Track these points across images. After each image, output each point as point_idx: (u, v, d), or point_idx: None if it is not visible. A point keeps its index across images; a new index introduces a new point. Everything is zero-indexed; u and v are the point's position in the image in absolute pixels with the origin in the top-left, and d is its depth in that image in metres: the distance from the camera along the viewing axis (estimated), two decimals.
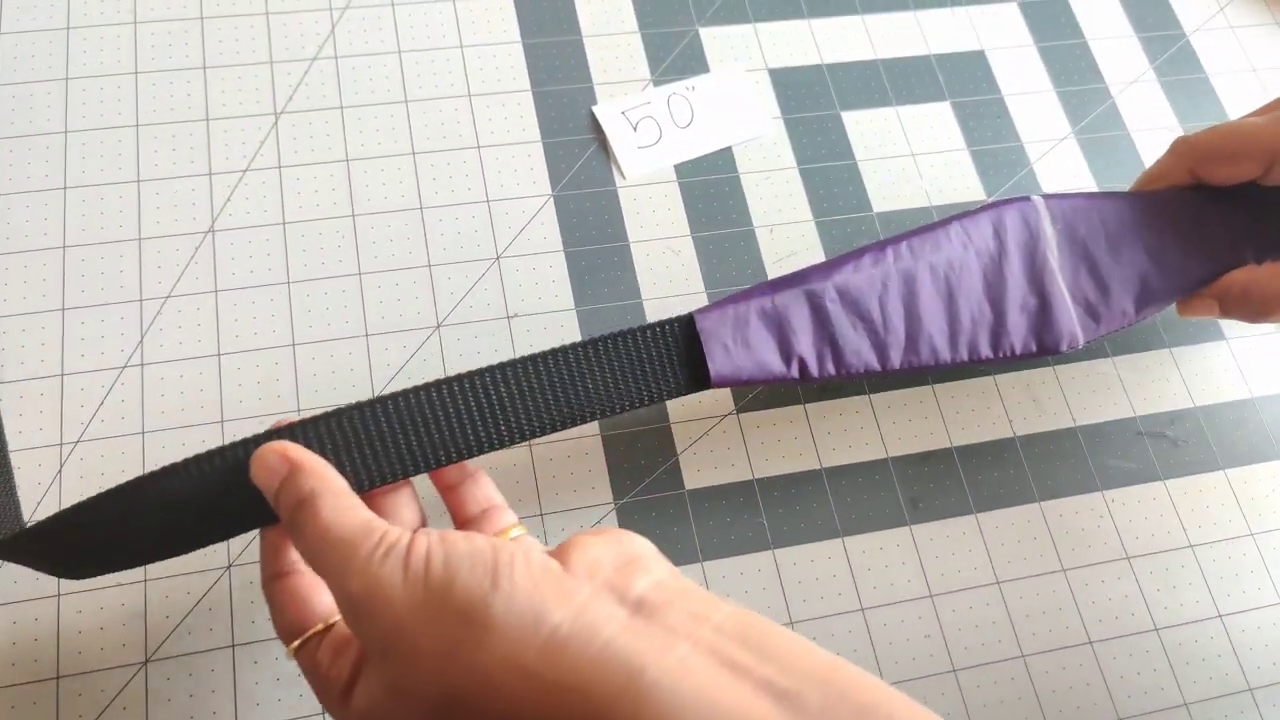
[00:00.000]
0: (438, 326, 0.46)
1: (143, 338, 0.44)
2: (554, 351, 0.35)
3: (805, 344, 0.38)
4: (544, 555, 0.28)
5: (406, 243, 0.47)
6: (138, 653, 0.39)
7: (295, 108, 0.49)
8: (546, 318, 0.46)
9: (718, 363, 0.37)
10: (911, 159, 0.53)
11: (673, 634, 0.26)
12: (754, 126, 0.52)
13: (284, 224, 0.47)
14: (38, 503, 0.41)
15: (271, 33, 0.51)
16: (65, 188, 0.46)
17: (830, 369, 0.38)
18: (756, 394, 0.46)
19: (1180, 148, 0.44)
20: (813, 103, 0.53)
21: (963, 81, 0.55)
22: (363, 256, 0.47)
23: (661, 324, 0.37)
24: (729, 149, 0.51)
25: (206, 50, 0.50)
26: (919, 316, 0.39)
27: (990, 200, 0.41)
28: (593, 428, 0.45)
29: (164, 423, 0.43)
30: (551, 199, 0.49)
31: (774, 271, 0.49)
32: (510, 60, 0.52)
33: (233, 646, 0.39)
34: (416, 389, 0.33)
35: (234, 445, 0.32)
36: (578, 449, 0.44)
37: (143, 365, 0.43)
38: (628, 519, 0.43)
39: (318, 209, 0.47)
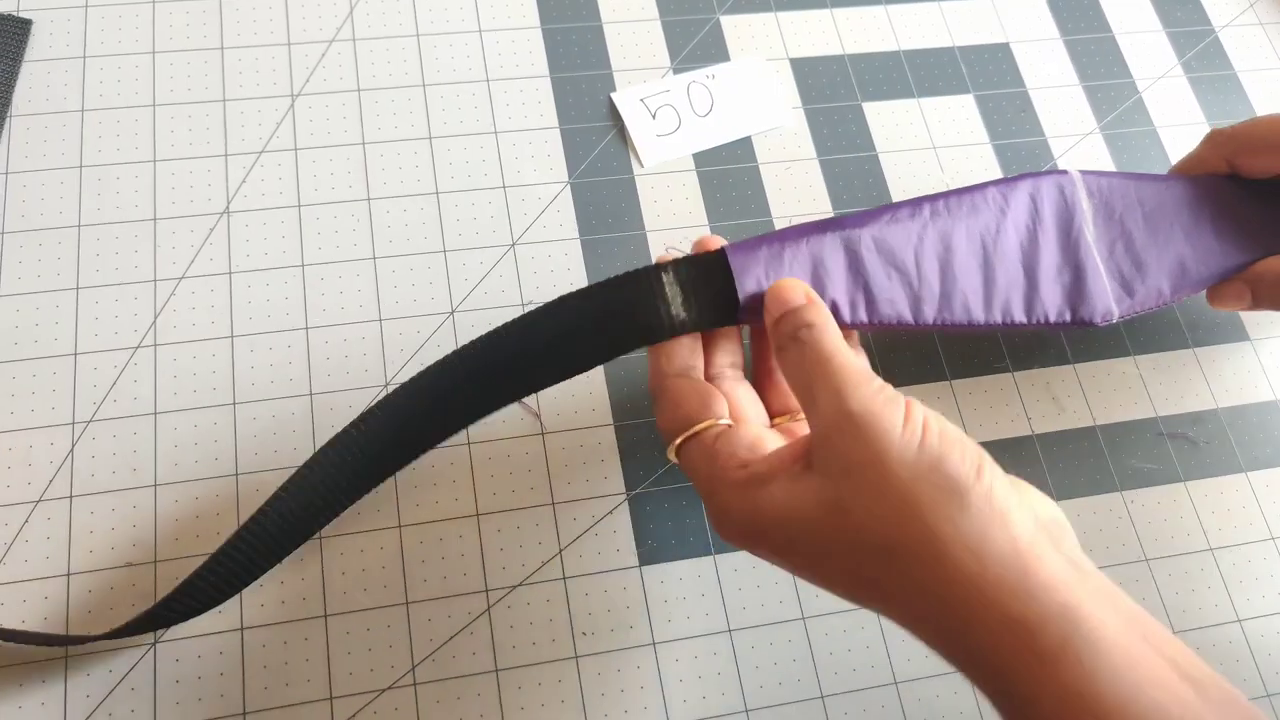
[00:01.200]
0: (452, 312, 0.45)
1: (156, 318, 0.44)
2: (580, 291, 0.37)
3: (839, 287, 0.37)
4: (1006, 478, 0.30)
5: (422, 227, 0.47)
6: (146, 635, 0.39)
7: (312, 90, 0.49)
8: None
9: (749, 295, 0.36)
10: (933, 151, 0.52)
11: (1101, 595, 0.28)
12: (774, 116, 0.51)
13: (299, 206, 0.47)
14: (50, 480, 0.40)
15: (289, 14, 0.51)
16: (81, 166, 0.46)
17: (863, 316, 0.37)
18: None
19: (1217, 138, 0.43)
20: (834, 93, 0.53)
21: (987, 74, 0.54)
22: (378, 240, 0.46)
23: (689, 258, 0.36)
24: (748, 138, 0.51)
25: (224, 31, 0.50)
26: (954, 274, 0.38)
27: (1033, 172, 0.40)
28: (606, 418, 0.44)
29: (176, 404, 0.42)
30: (568, 186, 0.49)
31: None
32: (529, 46, 0.52)
33: (241, 629, 0.39)
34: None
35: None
36: (590, 439, 0.44)
37: (156, 346, 0.43)
38: (640, 510, 0.43)
39: (333, 192, 0.47)
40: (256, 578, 0.38)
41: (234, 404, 0.43)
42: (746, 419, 0.35)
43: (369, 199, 0.47)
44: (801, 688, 0.41)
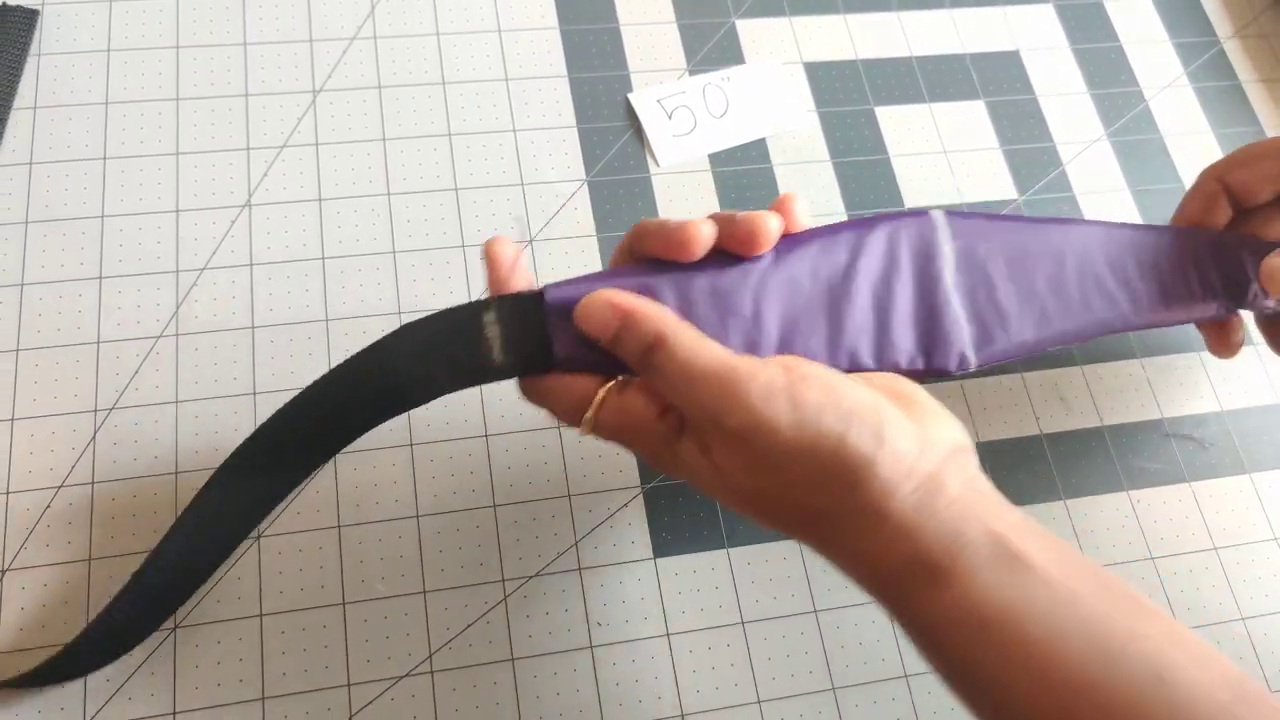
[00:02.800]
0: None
1: (178, 308, 0.44)
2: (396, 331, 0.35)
3: None
4: (906, 418, 0.31)
5: (441, 223, 0.48)
6: (167, 620, 0.39)
7: (334, 86, 0.50)
8: None
9: (561, 344, 0.34)
10: (944, 156, 0.53)
11: (993, 510, 0.31)
12: (788, 119, 0.52)
13: (320, 200, 0.47)
14: (72, 466, 0.41)
15: (312, 11, 0.51)
16: (105, 158, 0.47)
17: None
18: None
19: (1207, 171, 0.43)
20: (847, 97, 0.53)
21: (997, 81, 0.55)
22: (397, 235, 0.47)
23: (510, 297, 0.34)
24: (763, 140, 0.52)
25: (247, 27, 0.50)
26: (795, 319, 0.36)
27: (890, 211, 0.39)
28: None
29: (197, 393, 0.43)
30: (585, 184, 0.49)
31: None
32: (547, 46, 0.52)
33: (261, 616, 0.40)
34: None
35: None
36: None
37: (177, 335, 0.44)
38: (654, 503, 0.43)
39: (353, 186, 0.48)
40: (154, 628, 0.38)
41: (254, 394, 0.43)
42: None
43: (389, 194, 0.48)
44: (813, 679, 0.41)
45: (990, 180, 0.52)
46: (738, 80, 0.53)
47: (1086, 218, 0.52)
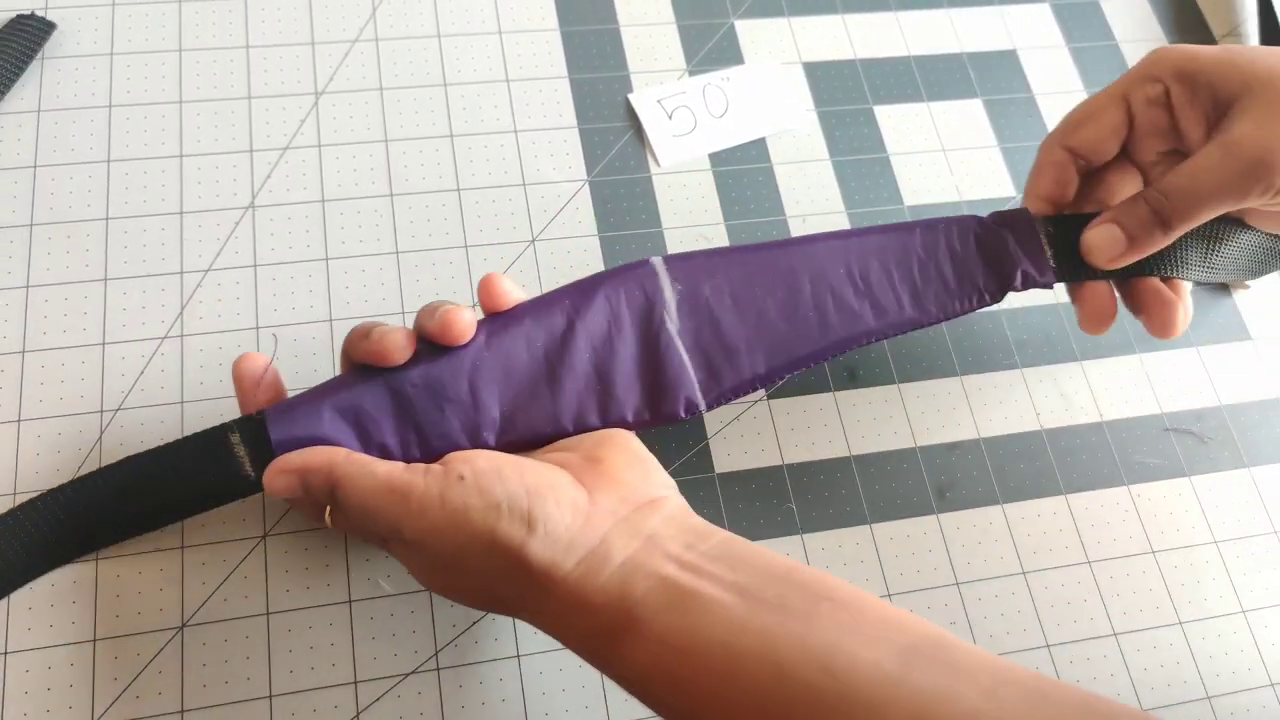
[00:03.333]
0: (473, 306, 0.46)
1: (183, 310, 0.45)
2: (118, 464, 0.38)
3: (387, 432, 0.36)
4: (575, 490, 0.34)
5: (443, 223, 0.48)
6: (174, 618, 0.39)
7: (336, 88, 0.50)
8: None
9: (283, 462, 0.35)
10: (943, 154, 0.53)
11: (665, 556, 0.33)
12: (788, 118, 0.53)
13: (323, 202, 0.48)
14: (78, 467, 0.41)
15: (313, 14, 0.52)
16: (109, 161, 0.47)
17: (417, 454, 0.36)
18: (787, 380, 0.47)
19: (1044, 141, 0.43)
20: (846, 96, 0.54)
21: (994, 79, 0.55)
22: (400, 235, 0.47)
23: (249, 419, 0.36)
24: (763, 139, 0.52)
25: (250, 30, 0.51)
26: (514, 395, 0.37)
27: (612, 269, 0.40)
28: None
29: (202, 393, 0.43)
30: (587, 184, 0.50)
31: None
32: (548, 47, 0.53)
33: (268, 614, 0.40)
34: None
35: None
36: None
37: (182, 336, 0.44)
38: None
39: (356, 188, 0.48)
40: None
41: None
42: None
43: (391, 195, 0.48)
44: None
45: (988, 178, 0.53)
46: (737, 80, 0.53)
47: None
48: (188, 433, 0.42)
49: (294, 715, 0.38)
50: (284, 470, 0.35)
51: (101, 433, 0.42)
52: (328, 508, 0.35)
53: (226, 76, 0.50)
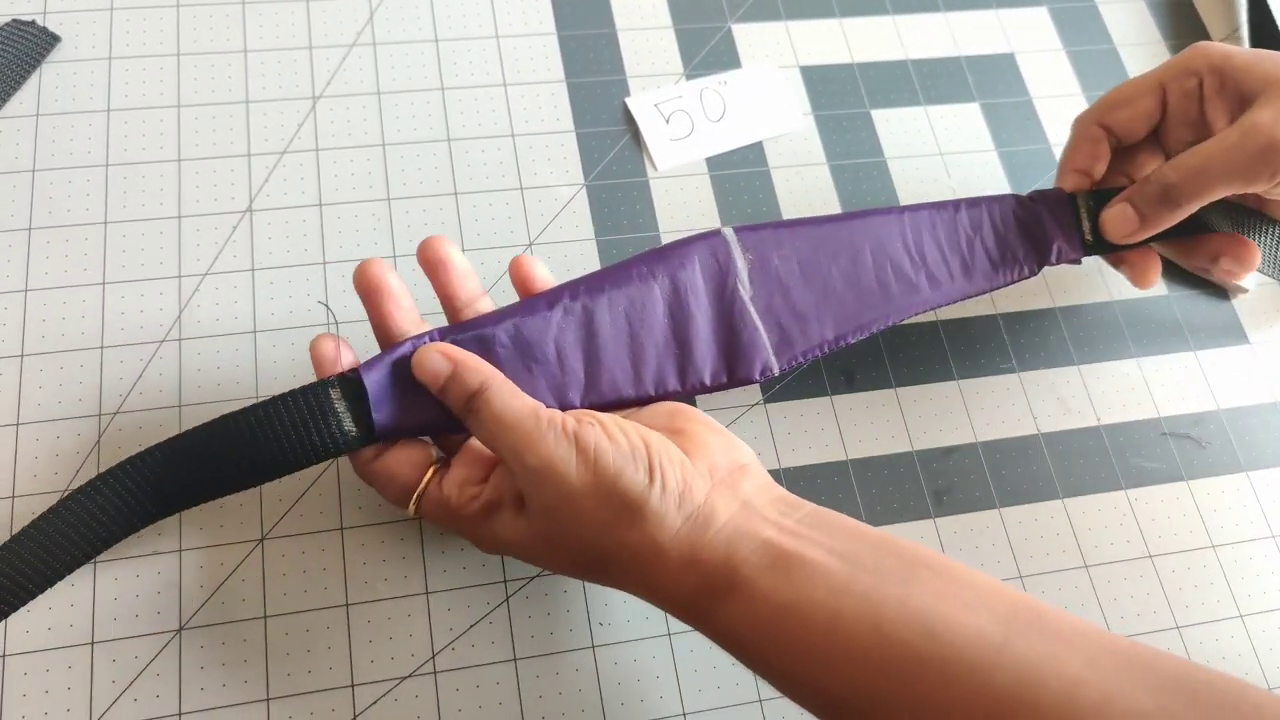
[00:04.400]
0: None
1: (181, 313, 0.45)
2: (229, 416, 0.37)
3: None
4: (679, 452, 0.35)
5: (441, 227, 0.48)
6: (172, 621, 0.39)
7: (333, 92, 0.50)
8: None
9: (384, 414, 0.36)
10: (940, 158, 0.53)
11: (765, 521, 0.34)
12: (785, 122, 0.53)
13: (320, 205, 0.48)
14: (77, 470, 0.41)
15: (311, 18, 0.52)
16: (107, 165, 0.47)
17: None
18: (783, 384, 0.47)
19: (1082, 115, 0.46)
20: (843, 100, 0.54)
21: (992, 83, 0.55)
22: (397, 239, 0.47)
23: (324, 383, 0.37)
24: (760, 143, 0.52)
25: (247, 34, 0.51)
26: (598, 357, 0.38)
27: (683, 239, 0.41)
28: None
29: (200, 397, 0.43)
30: (584, 188, 0.50)
31: None
32: (545, 51, 0.53)
33: (265, 617, 0.40)
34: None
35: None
36: None
37: (180, 340, 0.44)
38: None
39: (354, 191, 0.48)
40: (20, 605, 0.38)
41: (256, 397, 0.43)
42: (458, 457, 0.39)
43: (389, 199, 0.48)
44: None
45: (985, 182, 0.53)
46: (734, 84, 0.53)
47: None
48: None
49: (291, 718, 0.38)
50: (444, 352, 0.36)
51: (100, 436, 0.42)
52: (415, 495, 0.37)
53: (224, 81, 0.50)
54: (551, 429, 0.34)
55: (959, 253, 0.43)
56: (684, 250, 0.41)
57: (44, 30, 0.49)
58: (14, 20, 0.49)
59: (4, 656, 0.38)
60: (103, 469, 0.41)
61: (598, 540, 0.35)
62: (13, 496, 0.40)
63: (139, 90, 0.49)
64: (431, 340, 0.37)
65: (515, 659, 0.40)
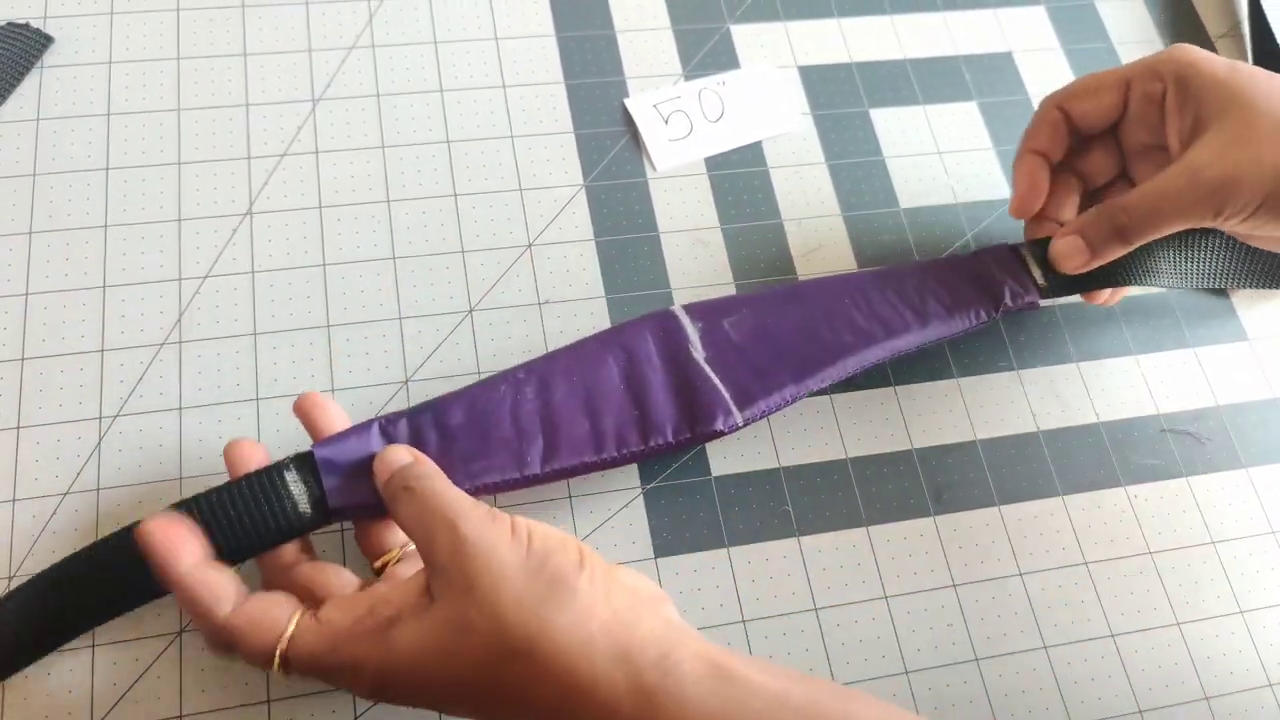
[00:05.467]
0: (470, 311, 0.46)
1: (181, 316, 0.45)
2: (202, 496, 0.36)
3: (434, 458, 0.37)
4: (604, 561, 0.34)
5: (440, 229, 0.48)
6: (172, 623, 0.39)
7: (332, 95, 0.50)
8: (577, 305, 0.47)
9: (338, 493, 0.36)
10: (938, 157, 0.53)
11: (694, 637, 0.33)
12: (784, 122, 0.53)
13: (320, 208, 0.48)
14: (77, 473, 0.41)
15: (310, 21, 0.52)
16: (107, 169, 0.47)
17: (464, 483, 0.37)
18: None
19: (1047, 97, 0.45)
20: (842, 100, 0.54)
21: (990, 82, 0.56)
22: (397, 241, 0.47)
23: (280, 463, 0.37)
24: (759, 143, 0.52)
25: (247, 38, 0.51)
26: (554, 422, 0.39)
27: (633, 319, 0.43)
28: None
29: (200, 399, 0.43)
30: (583, 189, 0.50)
31: (800, 263, 0.49)
32: (544, 53, 0.53)
33: None
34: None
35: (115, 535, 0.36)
36: None
37: (180, 343, 0.44)
38: (654, 504, 0.44)
39: (353, 194, 0.48)
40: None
41: (257, 400, 0.44)
42: (336, 585, 0.36)
43: (388, 201, 0.48)
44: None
45: (984, 181, 0.53)
46: (733, 85, 0.53)
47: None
48: (186, 439, 0.43)
49: (292, 719, 0.39)
50: (410, 452, 0.36)
51: (100, 440, 0.42)
52: (286, 634, 0.33)
53: (224, 84, 0.50)
54: (485, 509, 0.34)
55: (910, 304, 0.44)
56: (635, 326, 0.42)
57: (38, 32, 0.49)
58: (9, 23, 0.49)
59: None
60: (103, 472, 0.41)
61: (519, 624, 0.31)
62: (13, 500, 0.41)
63: (139, 94, 0.49)
64: (388, 421, 0.38)
65: None
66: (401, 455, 0.36)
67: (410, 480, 0.35)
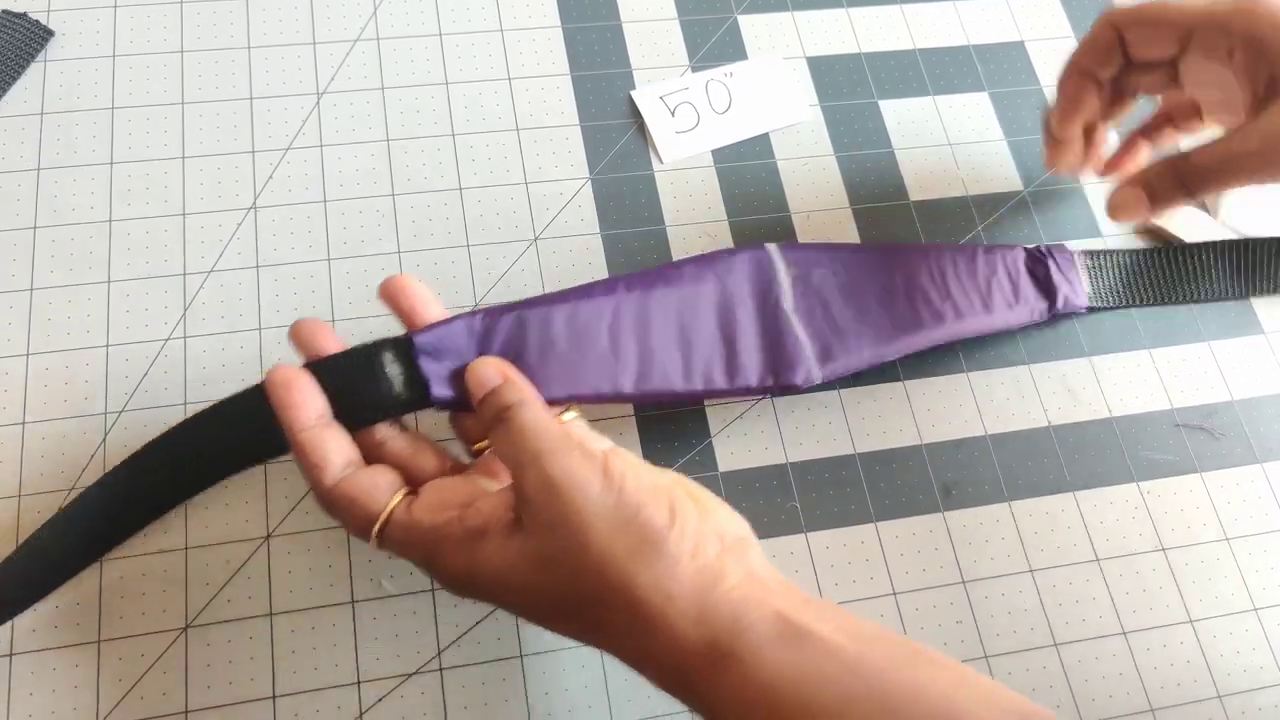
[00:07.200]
0: (476, 305, 0.46)
1: (186, 311, 0.45)
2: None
3: (531, 366, 0.37)
4: (694, 506, 0.33)
5: (445, 222, 0.48)
6: (178, 619, 0.39)
7: (337, 88, 0.50)
8: None
9: (436, 383, 0.36)
10: (949, 148, 0.52)
11: (773, 592, 0.32)
12: (792, 113, 0.52)
13: (325, 202, 0.47)
14: (83, 469, 0.41)
15: (315, 14, 0.51)
16: (112, 163, 0.47)
17: (557, 392, 0.37)
18: None
19: (1106, 13, 0.43)
20: (850, 91, 0.53)
21: (1001, 72, 0.55)
22: (402, 235, 0.47)
23: (381, 342, 0.37)
24: (766, 135, 0.52)
25: (251, 31, 0.51)
26: (650, 346, 0.39)
27: (726, 249, 0.43)
28: (626, 409, 0.45)
29: (205, 394, 0.43)
30: (589, 182, 0.49)
31: None
32: (550, 44, 0.53)
33: (271, 615, 0.40)
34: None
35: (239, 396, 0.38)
36: (612, 429, 0.44)
37: (185, 338, 0.44)
38: None
39: (358, 188, 0.48)
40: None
41: None
42: (429, 467, 0.37)
43: (393, 194, 0.48)
44: None
45: (995, 173, 0.52)
46: (740, 76, 0.53)
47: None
48: None
49: (297, 716, 0.38)
50: (499, 369, 0.36)
51: (105, 435, 0.42)
52: (382, 518, 0.34)
53: (228, 77, 0.50)
54: (580, 447, 0.33)
55: (978, 291, 0.46)
56: (730, 258, 0.42)
57: (36, 23, 0.49)
58: (4, 11, 0.49)
59: (11, 655, 0.38)
60: (108, 468, 0.41)
61: (601, 573, 0.32)
62: (18, 495, 0.41)
63: (143, 88, 0.49)
64: (490, 315, 0.38)
65: (521, 655, 0.40)
66: (493, 374, 0.36)
67: (503, 407, 0.34)
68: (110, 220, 0.46)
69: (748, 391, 0.41)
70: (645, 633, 0.31)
